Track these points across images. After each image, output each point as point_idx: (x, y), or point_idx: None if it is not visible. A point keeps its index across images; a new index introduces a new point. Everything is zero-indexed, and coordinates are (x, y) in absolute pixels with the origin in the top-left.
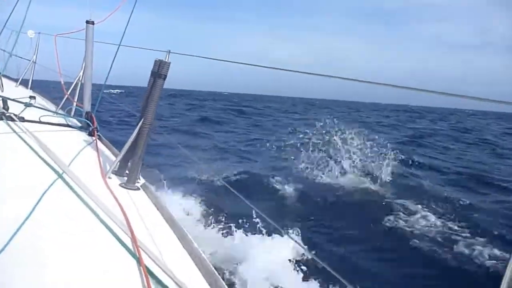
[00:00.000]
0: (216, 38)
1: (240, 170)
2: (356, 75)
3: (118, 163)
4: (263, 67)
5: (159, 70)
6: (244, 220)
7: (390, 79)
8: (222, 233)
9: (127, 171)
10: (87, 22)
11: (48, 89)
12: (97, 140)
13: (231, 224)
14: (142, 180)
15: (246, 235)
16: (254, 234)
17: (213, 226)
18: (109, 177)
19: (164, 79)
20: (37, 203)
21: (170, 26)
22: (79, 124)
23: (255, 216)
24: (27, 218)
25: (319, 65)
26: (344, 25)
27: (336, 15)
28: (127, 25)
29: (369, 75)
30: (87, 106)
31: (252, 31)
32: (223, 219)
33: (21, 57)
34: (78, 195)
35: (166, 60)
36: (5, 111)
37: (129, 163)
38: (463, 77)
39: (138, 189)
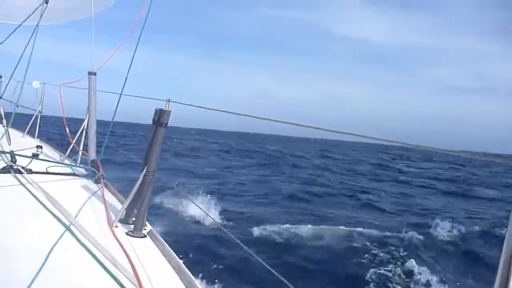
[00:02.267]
0: (218, 76)
1: None
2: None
3: (125, 211)
4: (258, 118)
5: (160, 119)
6: None
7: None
8: None
9: (133, 219)
10: (89, 73)
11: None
12: (103, 187)
13: None
14: (148, 227)
15: None
16: None
17: None
18: (116, 226)
19: (165, 127)
20: (47, 257)
21: (171, 64)
22: (86, 172)
23: None
24: (37, 274)
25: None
26: (345, 67)
27: (337, 58)
28: (127, 75)
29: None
30: (92, 154)
31: (253, 70)
32: None
33: (27, 107)
34: (85, 247)
35: (166, 109)
36: (13, 164)
37: (135, 211)
38: (462, 120)
39: (145, 236)
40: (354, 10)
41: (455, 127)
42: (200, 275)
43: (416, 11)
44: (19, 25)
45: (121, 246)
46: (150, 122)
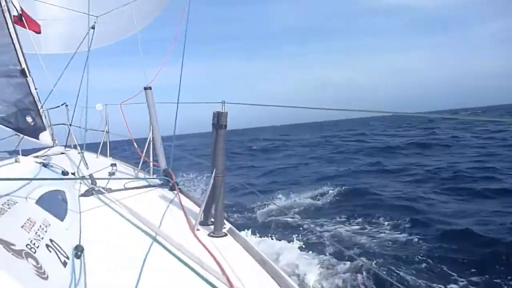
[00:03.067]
0: (267, 74)
1: None
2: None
3: (203, 214)
4: (302, 108)
5: (219, 121)
6: None
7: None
8: None
9: (212, 220)
10: (145, 88)
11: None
12: (179, 194)
13: None
14: (227, 225)
15: None
16: None
17: None
18: (198, 229)
19: (225, 128)
20: (141, 268)
21: (221, 69)
22: (160, 182)
23: None
24: (137, 285)
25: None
26: (396, 39)
27: (386, 32)
28: (180, 81)
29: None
30: (162, 164)
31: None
32: None
33: (96, 130)
34: (174, 254)
35: (223, 111)
36: (94, 186)
37: (213, 212)
38: None
39: (226, 235)
40: None
41: None
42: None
43: None
44: (74, 53)
45: (205, 247)
46: (199, 130)
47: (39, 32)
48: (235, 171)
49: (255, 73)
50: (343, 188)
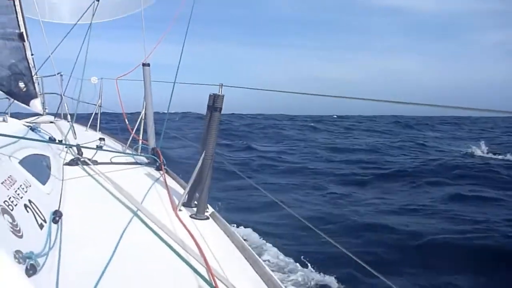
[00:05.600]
0: (266, 63)
1: None
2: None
3: (187, 195)
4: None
5: (214, 104)
6: None
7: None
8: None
9: (195, 202)
10: (143, 64)
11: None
12: (165, 174)
13: None
14: (210, 209)
15: None
16: None
17: None
18: (180, 210)
19: (220, 111)
20: (118, 242)
21: (218, 55)
22: (147, 160)
23: None
24: (110, 257)
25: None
26: (398, 42)
27: (389, 34)
28: (179, 63)
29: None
30: (152, 143)
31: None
32: None
33: (88, 103)
34: (153, 231)
35: (220, 94)
36: (80, 157)
37: (197, 194)
38: None
39: (208, 218)
40: None
41: None
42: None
43: None
44: (75, 24)
45: (186, 228)
46: (199, 111)
47: None
48: None
49: (254, 60)
50: None
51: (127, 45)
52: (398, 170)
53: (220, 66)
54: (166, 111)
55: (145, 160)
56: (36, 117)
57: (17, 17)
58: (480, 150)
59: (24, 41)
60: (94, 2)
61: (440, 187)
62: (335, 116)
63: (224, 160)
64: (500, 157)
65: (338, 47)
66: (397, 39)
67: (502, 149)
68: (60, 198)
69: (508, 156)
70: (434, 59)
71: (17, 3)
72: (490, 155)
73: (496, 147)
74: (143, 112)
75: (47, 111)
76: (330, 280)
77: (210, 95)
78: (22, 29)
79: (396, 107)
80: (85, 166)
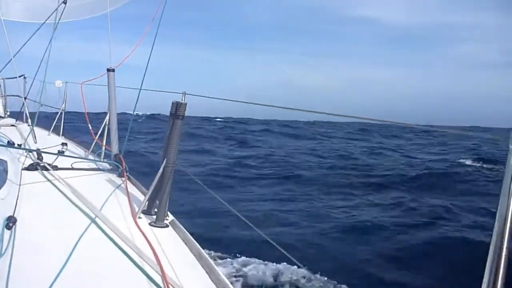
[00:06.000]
0: (238, 67)
1: None
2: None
3: (147, 203)
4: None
5: (177, 112)
6: None
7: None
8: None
9: (155, 209)
10: (108, 70)
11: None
12: (127, 181)
13: None
14: (170, 217)
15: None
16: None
17: None
18: (139, 217)
19: (182, 119)
20: (73, 249)
21: (188, 58)
22: (109, 167)
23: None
24: (64, 264)
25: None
26: (369, 52)
27: (360, 43)
28: (145, 71)
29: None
30: (115, 149)
31: (274, 60)
32: None
33: (51, 106)
34: (110, 238)
35: (182, 102)
36: (40, 161)
37: (157, 202)
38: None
39: (167, 226)
40: None
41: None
42: (220, 261)
43: None
44: (42, 25)
45: (145, 236)
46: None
47: None
48: None
49: (225, 64)
50: None
51: (95, 45)
52: None
53: (192, 69)
54: (132, 112)
55: (107, 166)
56: None
57: None
58: None
59: None
60: (60, 4)
61: None
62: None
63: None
64: None
65: (311, 54)
66: (369, 49)
67: None
68: (16, 203)
69: None
70: (404, 70)
71: None
72: None
73: None
74: (107, 117)
75: (8, 113)
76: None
77: (172, 103)
78: None
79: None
80: (44, 172)
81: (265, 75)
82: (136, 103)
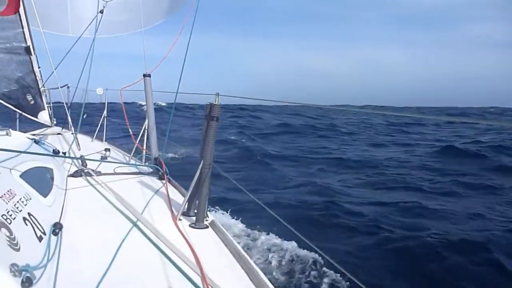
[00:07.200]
0: (254, 53)
1: None
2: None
3: (186, 204)
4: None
5: (211, 113)
6: None
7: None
8: None
9: (195, 211)
10: (144, 75)
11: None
12: (167, 183)
13: None
14: (210, 218)
15: None
16: None
17: None
18: (179, 219)
19: (217, 120)
20: (116, 252)
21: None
22: (150, 170)
23: None
24: (108, 267)
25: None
26: (381, 33)
27: (372, 24)
28: (181, 74)
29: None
30: (154, 152)
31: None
32: None
33: (94, 114)
34: (151, 241)
35: (216, 103)
36: (84, 168)
37: (196, 203)
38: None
39: (207, 227)
40: None
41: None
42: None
43: None
44: (79, 38)
45: (185, 238)
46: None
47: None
48: None
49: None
50: None
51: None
52: None
53: (210, 58)
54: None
55: (148, 170)
56: (45, 128)
57: (23, 31)
58: None
59: (31, 54)
60: (98, 13)
61: None
62: None
63: None
64: None
65: (324, 38)
66: (380, 31)
67: None
68: (62, 210)
69: None
70: (419, 50)
71: (23, 17)
72: None
73: None
74: (146, 122)
75: (55, 122)
76: None
77: (207, 104)
78: (29, 43)
79: None
80: (88, 177)
81: (278, 62)
82: (173, 107)
